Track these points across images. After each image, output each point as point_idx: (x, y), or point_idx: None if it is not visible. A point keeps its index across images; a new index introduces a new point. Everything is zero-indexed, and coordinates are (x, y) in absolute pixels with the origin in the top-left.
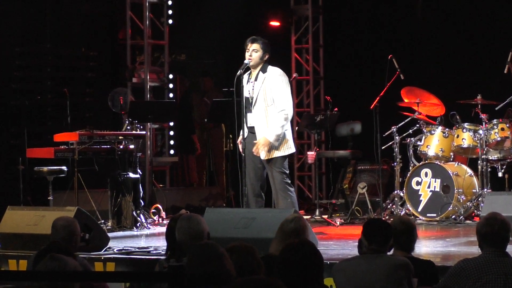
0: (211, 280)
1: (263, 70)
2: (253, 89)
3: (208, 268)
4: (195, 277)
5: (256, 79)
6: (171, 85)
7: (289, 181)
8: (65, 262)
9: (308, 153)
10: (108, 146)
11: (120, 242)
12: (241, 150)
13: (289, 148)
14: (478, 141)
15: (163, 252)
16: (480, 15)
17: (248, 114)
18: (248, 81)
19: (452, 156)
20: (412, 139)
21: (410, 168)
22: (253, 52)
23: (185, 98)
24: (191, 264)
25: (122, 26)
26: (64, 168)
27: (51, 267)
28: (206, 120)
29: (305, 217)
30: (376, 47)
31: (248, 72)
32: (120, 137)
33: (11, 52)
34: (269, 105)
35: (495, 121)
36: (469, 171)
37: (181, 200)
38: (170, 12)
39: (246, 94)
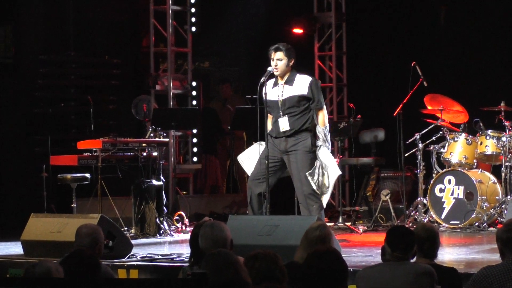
0: None
1: (294, 77)
2: (282, 93)
3: (222, 276)
4: (211, 285)
5: (287, 84)
6: (194, 93)
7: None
8: (49, 269)
9: None
10: (131, 154)
11: (143, 249)
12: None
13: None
14: (501, 148)
15: (187, 259)
16: (503, 21)
17: (279, 119)
18: (274, 86)
19: (476, 163)
20: (435, 146)
21: (434, 175)
22: (278, 61)
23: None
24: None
25: (145, 33)
26: (88, 175)
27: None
28: (229, 127)
29: (328, 224)
30: (399, 54)
31: (274, 77)
32: (144, 145)
33: (35, 60)
34: (303, 110)
35: None
36: (493, 178)
37: (205, 207)
38: (193, 19)
39: (274, 98)
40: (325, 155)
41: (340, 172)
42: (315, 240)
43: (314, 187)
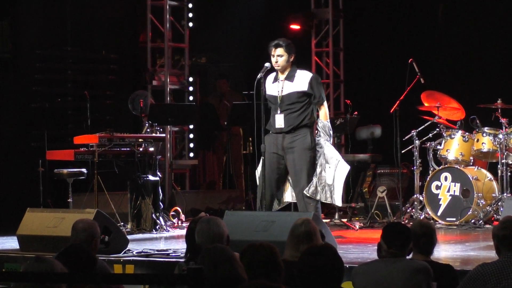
0: (221, 283)
1: (295, 73)
2: (282, 89)
3: (218, 272)
4: (208, 281)
5: (287, 80)
6: (191, 88)
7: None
8: (51, 264)
9: None
10: (128, 149)
11: (139, 245)
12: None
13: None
14: (498, 146)
15: (182, 255)
16: (501, 19)
17: (276, 116)
18: (275, 81)
19: (472, 160)
20: (432, 143)
21: (430, 172)
22: (278, 57)
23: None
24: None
25: (142, 29)
26: (84, 170)
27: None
28: (225, 123)
29: (324, 220)
30: (397, 51)
31: (274, 72)
32: (140, 140)
33: (32, 54)
34: (302, 106)
35: None
36: (489, 175)
37: (201, 203)
38: (190, 15)
39: (274, 93)
40: (331, 151)
41: (349, 167)
42: (301, 236)
43: (314, 194)
